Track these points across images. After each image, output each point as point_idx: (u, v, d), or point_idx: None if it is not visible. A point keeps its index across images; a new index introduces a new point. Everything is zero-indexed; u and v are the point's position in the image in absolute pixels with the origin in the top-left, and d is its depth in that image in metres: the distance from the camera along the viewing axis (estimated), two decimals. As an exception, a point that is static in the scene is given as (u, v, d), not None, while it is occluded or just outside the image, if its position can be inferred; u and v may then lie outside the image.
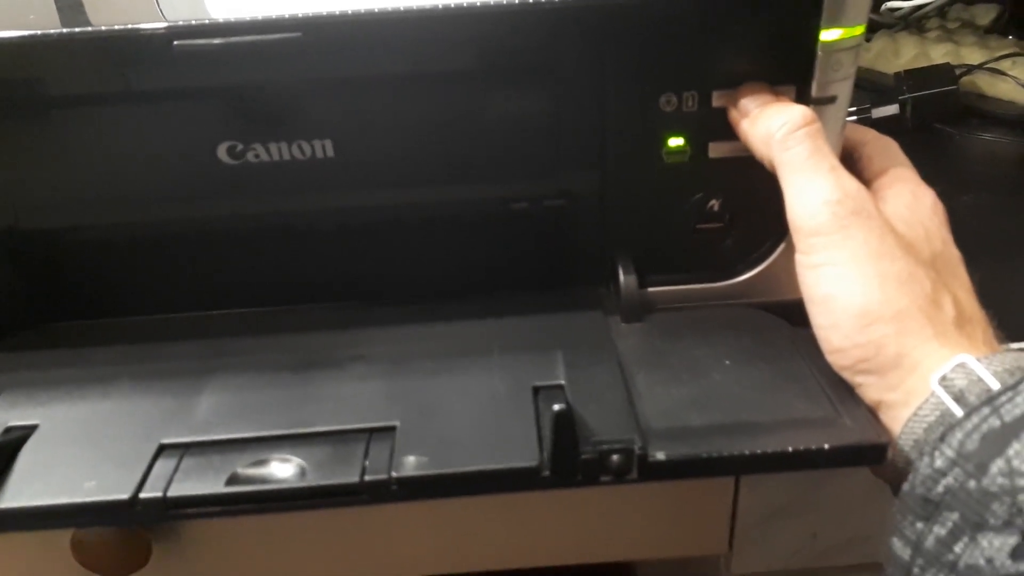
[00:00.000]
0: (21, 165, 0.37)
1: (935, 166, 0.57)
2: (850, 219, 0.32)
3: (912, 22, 0.75)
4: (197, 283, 0.40)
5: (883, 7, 0.74)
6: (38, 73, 0.34)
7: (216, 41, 0.33)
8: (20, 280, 0.39)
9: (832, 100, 0.35)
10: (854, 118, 0.63)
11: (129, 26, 0.33)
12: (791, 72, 0.35)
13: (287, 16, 0.33)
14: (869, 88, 0.68)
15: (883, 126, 0.62)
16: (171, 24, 0.33)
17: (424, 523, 0.42)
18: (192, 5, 0.39)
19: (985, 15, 0.75)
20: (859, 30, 0.34)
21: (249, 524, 0.42)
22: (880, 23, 0.75)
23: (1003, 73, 0.64)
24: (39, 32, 0.33)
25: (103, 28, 0.33)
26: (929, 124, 0.64)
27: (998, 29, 0.73)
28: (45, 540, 0.40)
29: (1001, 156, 0.61)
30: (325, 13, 0.33)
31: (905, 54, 0.70)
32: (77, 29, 0.33)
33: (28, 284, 0.40)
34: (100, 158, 0.37)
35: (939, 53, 0.69)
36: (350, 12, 0.33)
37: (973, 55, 0.67)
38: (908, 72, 0.64)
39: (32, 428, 0.33)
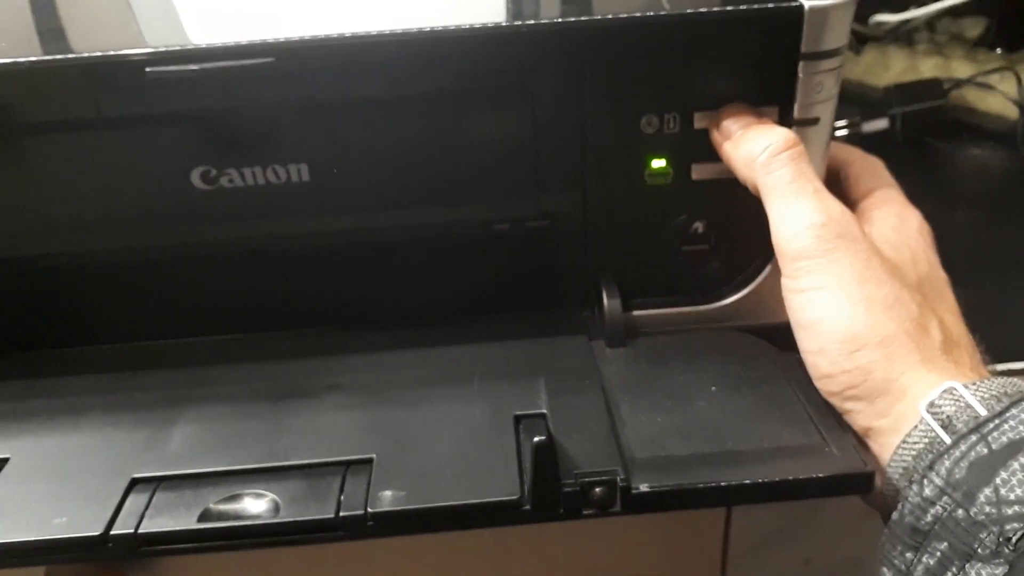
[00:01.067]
0: None
1: (925, 180, 0.57)
2: (835, 243, 0.31)
3: (901, 35, 0.74)
4: (170, 310, 0.40)
5: (871, 20, 0.74)
6: (8, 100, 0.34)
7: (189, 67, 0.32)
8: None
9: (815, 122, 0.35)
10: (844, 132, 0.63)
11: (101, 52, 0.32)
12: (773, 94, 0.35)
13: (260, 41, 0.32)
14: (859, 102, 0.68)
15: (873, 140, 0.63)
16: (143, 50, 0.32)
17: (403, 557, 0.41)
18: (172, 31, 0.39)
19: (973, 28, 0.75)
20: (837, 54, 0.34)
21: (226, 556, 0.41)
22: (869, 36, 0.75)
23: (992, 87, 0.64)
24: (9, 59, 0.32)
25: (74, 55, 0.32)
26: (919, 138, 0.63)
27: (986, 42, 0.73)
28: (19, 574, 0.40)
29: (990, 170, 0.61)
30: (298, 38, 0.32)
31: (894, 67, 0.70)
32: (47, 56, 0.32)
33: None
34: (72, 184, 0.36)
35: (928, 66, 0.68)
36: (323, 36, 0.32)
37: (962, 69, 0.67)
38: (897, 86, 0.64)
39: (2, 462, 0.32)
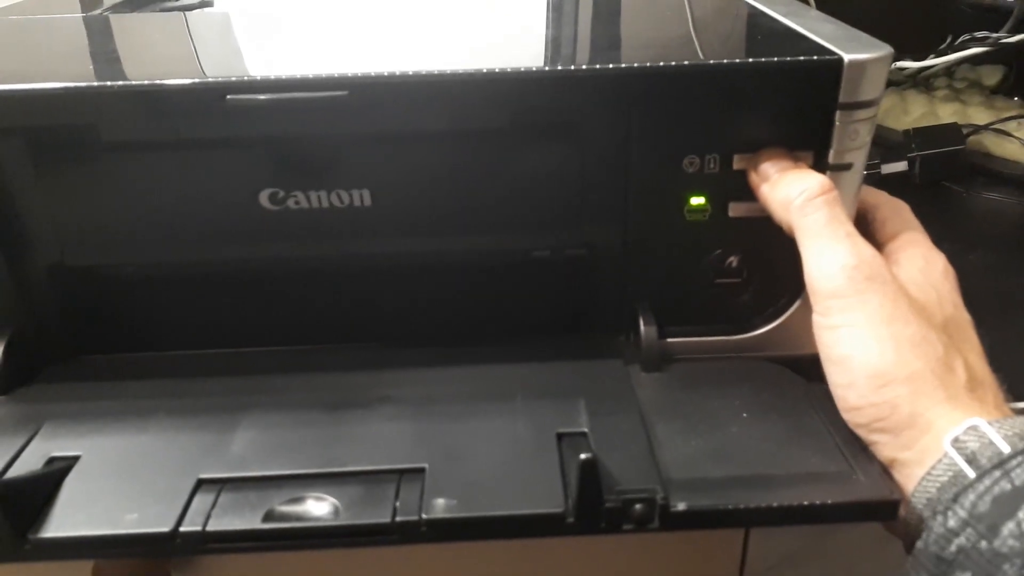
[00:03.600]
0: (70, 205, 0.38)
1: (943, 223, 0.58)
2: (866, 284, 0.33)
3: (920, 81, 0.77)
4: (233, 321, 0.42)
5: (893, 66, 0.76)
6: (93, 121, 0.36)
7: (266, 96, 0.35)
8: (63, 313, 0.41)
9: (848, 167, 0.37)
10: (864, 172, 0.65)
11: (185, 80, 0.35)
12: (810, 140, 0.37)
13: (335, 75, 0.35)
14: (879, 144, 0.70)
15: (892, 182, 0.65)
16: (225, 79, 0.35)
17: (448, 561, 0.43)
18: (232, 60, 0.41)
19: (991, 76, 0.77)
20: (873, 104, 0.36)
21: (271, 557, 0.42)
22: (890, 81, 0.77)
23: (1009, 134, 0.66)
24: (99, 83, 0.35)
25: (159, 81, 0.35)
26: (937, 181, 0.65)
27: (1004, 90, 0.76)
28: (65, 568, 0.41)
29: (1007, 215, 0.63)
30: (371, 73, 0.35)
31: (914, 112, 0.72)
32: (137, 82, 0.35)
33: (70, 317, 0.41)
34: (146, 201, 0.38)
35: (947, 112, 0.71)
36: (394, 73, 0.35)
37: (980, 115, 0.69)
38: (917, 130, 0.66)
39: (74, 459, 0.34)
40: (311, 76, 0.35)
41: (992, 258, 0.56)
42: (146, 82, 0.35)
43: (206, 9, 0.55)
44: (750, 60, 0.35)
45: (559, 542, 0.43)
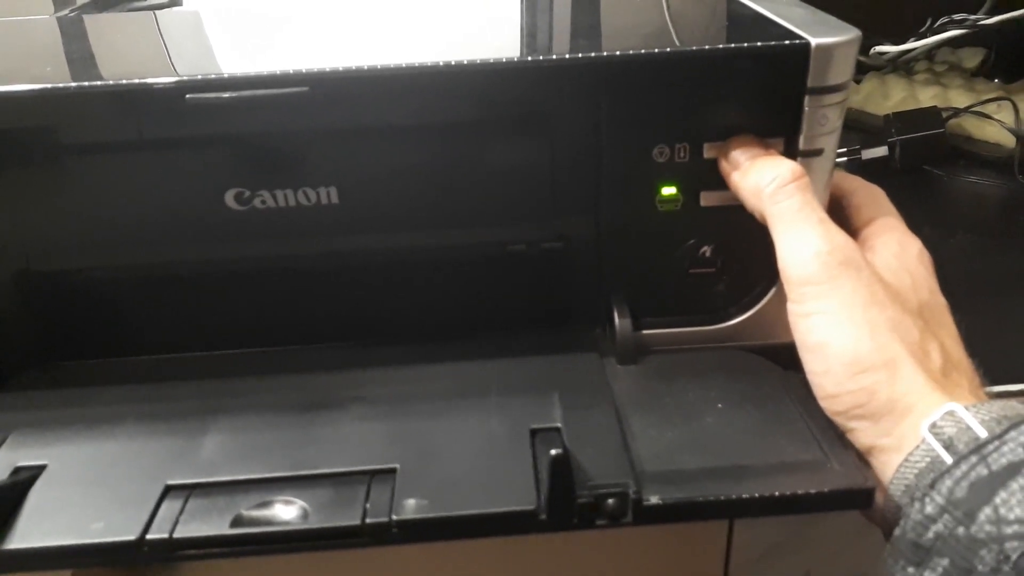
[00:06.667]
0: (34, 209, 0.38)
1: (923, 207, 0.58)
2: (839, 270, 0.33)
3: (900, 65, 0.76)
4: (202, 324, 0.41)
5: (872, 50, 0.76)
6: (53, 123, 0.36)
7: (227, 95, 0.34)
8: (29, 320, 0.40)
9: (819, 153, 0.37)
10: (844, 159, 0.65)
11: (143, 80, 0.34)
12: (780, 126, 0.36)
13: (296, 71, 0.34)
14: (859, 129, 0.70)
15: (872, 167, 0.64)
16: (184, 78, 0.34)
17: (424, 563, 0.43)
18: (202, 58, 0.41)
19: (972, 58, 0.77)
20: (842, 89, 0.36)
21: (249, 562, 0.42)
22: (869, 65, 0.77)
23: (989, 117, 0.66)
24: (57, 85, 0.34)
25: (119, 81, 0.34)
26: (917, 166, 0.65)
27: (984, 72, 0.75)
28: (46, 577, 0.41)
29: (987, 198, 0.63)
30: (332, 68, 0.34)
31: (894, 96, 0.72)
32: (94, 82, 0.34)
33: (37, 324, 0.40)
34: (111, 203, 0.38)
35: (927, 96, 0.70)
36: (356, 68, 0.34)
37: (960, 98, 0.69)
38: (897, 114, 0.66)
39: (40, 468, 0.34)
40: (271, 73, 0.34)
41: (973, 241, 0.55)
42: (107, 83, 0.34)
43: (175, 8, 0.54)
44: (717, 47, 0.35)
45: (543, 539, 0.43)
